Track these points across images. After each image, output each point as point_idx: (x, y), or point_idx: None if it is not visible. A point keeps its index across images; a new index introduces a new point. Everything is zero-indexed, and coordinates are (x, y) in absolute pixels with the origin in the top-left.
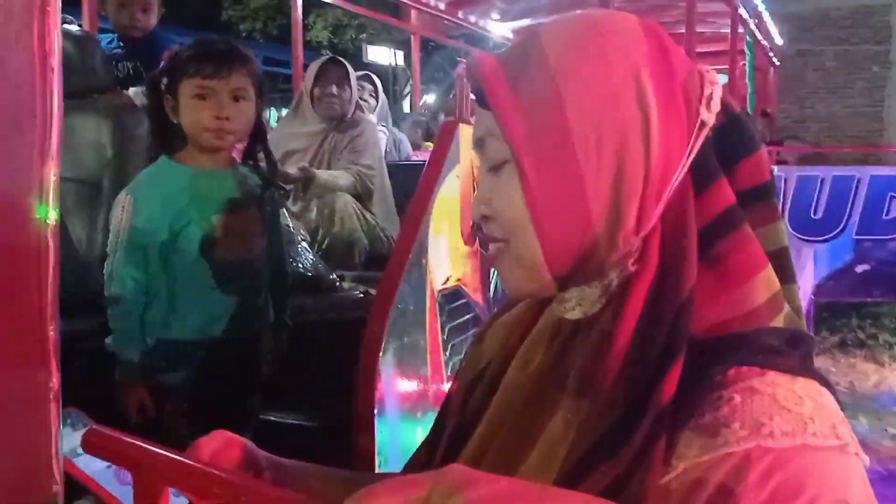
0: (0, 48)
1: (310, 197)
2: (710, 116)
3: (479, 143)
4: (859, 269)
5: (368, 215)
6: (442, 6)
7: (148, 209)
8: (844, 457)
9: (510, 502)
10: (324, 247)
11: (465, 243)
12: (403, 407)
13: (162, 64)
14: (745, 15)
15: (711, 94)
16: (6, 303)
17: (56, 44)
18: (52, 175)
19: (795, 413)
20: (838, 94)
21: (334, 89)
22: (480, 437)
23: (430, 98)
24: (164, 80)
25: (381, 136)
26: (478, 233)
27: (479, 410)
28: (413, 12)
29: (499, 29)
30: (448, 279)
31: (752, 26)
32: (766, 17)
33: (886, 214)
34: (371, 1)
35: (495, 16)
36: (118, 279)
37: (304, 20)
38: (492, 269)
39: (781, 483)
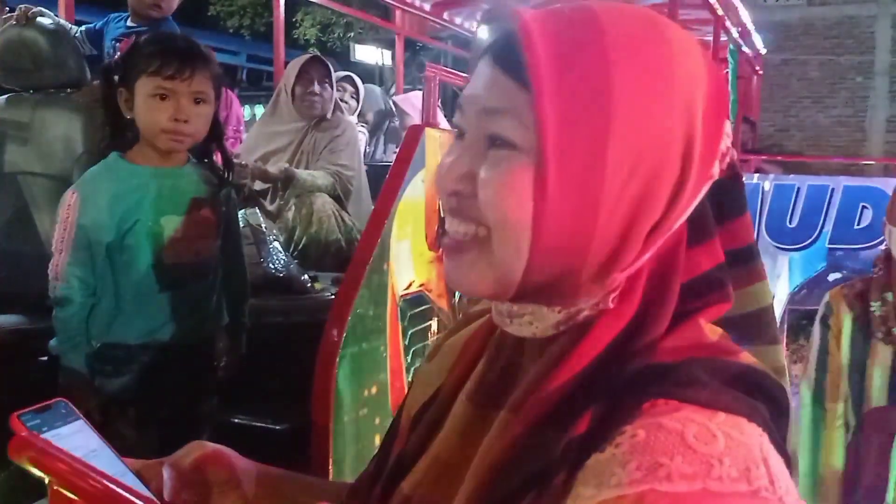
0: None
1: (288, 196)
2: (718, 170)
3: (488, 112)
4: (831, 277)
5: (346, 216)
6: (427, 7)
7: (95, 208)
8: (756, 502)
9: None
10: (300, 247)
11: (430, 248)
12: (361, 413)
13: (117, 54)
14: (728, 23)
15: (728, 149)
16: None
17: None
18: None
19: (701, 454)
20: (822, 103)
21: (316, 88)
22: (421, 471)
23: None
24: (119, 72)
25: (361, 136)
26: (447, 210)
27: (424, 441)
28: (398, 13)
29: (484, 31)
30: (411, 284)
31: (735, 34)
32: (750, 25)
33: (858, 224)
34: (359, 0)
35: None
36: (64, 279)
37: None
38: None
39: None
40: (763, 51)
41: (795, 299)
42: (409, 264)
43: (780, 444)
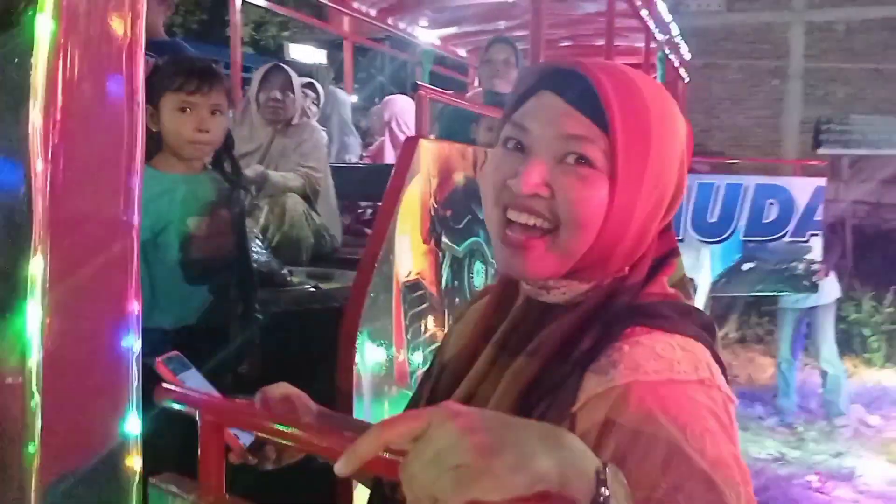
0: (103, 87)
1: (261, 197)
2: None
3: (572, 138)
4: (745, 266)
5: (314, 215)
6: (373, 13)
7: None
8: (703, 388)
9: (486, 428)
10: (273, 244)
11: (424, 242)
12: (374, 383)
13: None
14: (656, 31)
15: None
16: (103, 285)
17: (141, 83)
18: (136, 187)
19: (666, 358)
20: (741, 105)
21: (278, 94)
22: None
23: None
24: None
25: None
26: (517, 206)
27: (452, 382)
28: (346, 19)
29: (426, 36)
30: (410, 272)
31: (663, 42)
32: (676, 33)
33: (766, 219)
34: (295, 1)
35: (423, 23)
36: None
37: (224, 16)
38: (442, 266)
39: (652, 405)
40: (688, 56)
41: (717, 288)
42: (408, 255)
43: (717, 355)
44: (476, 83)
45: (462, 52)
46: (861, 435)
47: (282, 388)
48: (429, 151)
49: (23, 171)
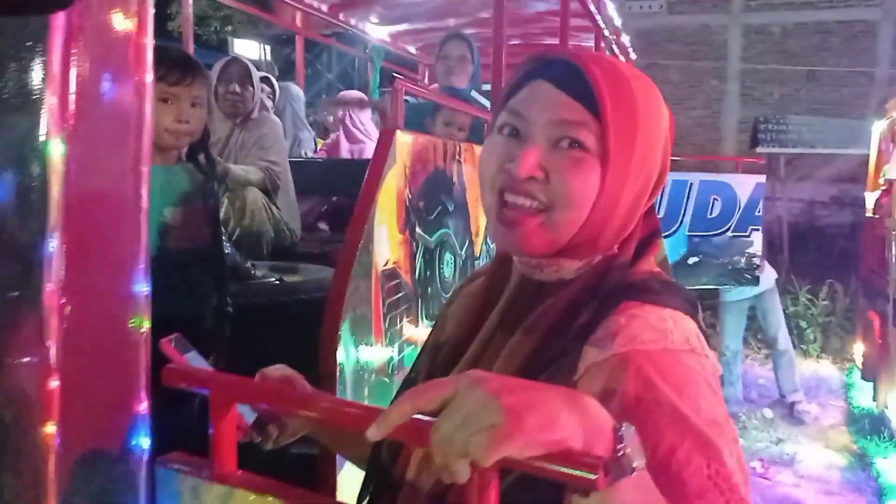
0: (113, 72)
1: (221, 190)
2: None
3: (565, 123)
4: (691, 260)
5: (274, 209)
6: (325, 8)
7: None
8: (694, 356)
9: (514, 390)
10: (234, 238)
11: (400, 232)
12: (355, 369)
13: None
14: (606, 32)
15: None
16: (115, 266)
17: (149, 70)
18: (144, 170)
19: (660, 329)
20: (682, 105)
21: (236, 87)
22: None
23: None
24: None
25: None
26: (514, 190)
27: (448, 362)
28: (298, 14)
29: (377, 32)
30: (387, 262)
31: (612, 42)
32: (624, 34)
33: (710, 214)
34: None
35: (374, 19)
36: None
37: (166, 10)
38: (416, 256)
39: (650, 372)
40: (634, 57)
41: None
42: (386, 245)
43: (702, 327)
44: (425, 79)
45: (412, 49)
46: (800, 422)
47: (280, 370)
48: (404, 143)
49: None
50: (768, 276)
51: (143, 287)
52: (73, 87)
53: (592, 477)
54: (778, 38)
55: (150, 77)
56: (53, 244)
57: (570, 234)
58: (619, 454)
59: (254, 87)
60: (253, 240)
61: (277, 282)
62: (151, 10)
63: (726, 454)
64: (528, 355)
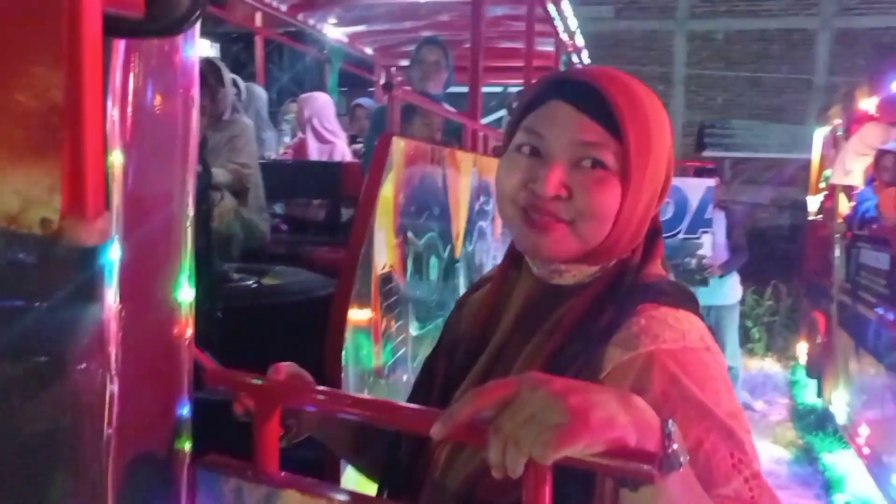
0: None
1: None
2: None
3: (586, 144)
4: None
5: (244, 211)
6: (284, 8)
7: None
8: (710, 354)
9: (578, 391)
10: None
11: (395, 236)
12: (356, 372)
13: None
14: (564, 38)
15: None
16: (164, 272)
17: (196, 85)
18: (190, 180)
19: (678, 329)
20: None
21: (209, 89)
22: (469, 382)
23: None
24: None
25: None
26: (540, 206)
27: (464, 363)
28: (258, 14)
29: (334, 33)
30: (385, 265)
31: (568, 46)
32: (580, 39)
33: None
34: None
35: (333, 20)
36: None
37: None
38: (407, 259)
39: (674, 369)
40: (588, 61)
41: None
42: (384, 249)
43: (709, 327)
44: (381, 81)
45: (368, 51)
46: (748, 419)
47: (291, 367)
48: (399, 148)
49: None
50: (734, 291)
51: (189, 293)
52: (130, 99)
53: (649, 469)
54: (721, 45)
55: (196, 91)
56: (116, 251)
57: (595, 244)
58: (669, 450)
59: (225, 88)
60: (223, 242)
61: (255, 285)
62: (198, 25)
63: (746, 444)
64: (550, 355)
